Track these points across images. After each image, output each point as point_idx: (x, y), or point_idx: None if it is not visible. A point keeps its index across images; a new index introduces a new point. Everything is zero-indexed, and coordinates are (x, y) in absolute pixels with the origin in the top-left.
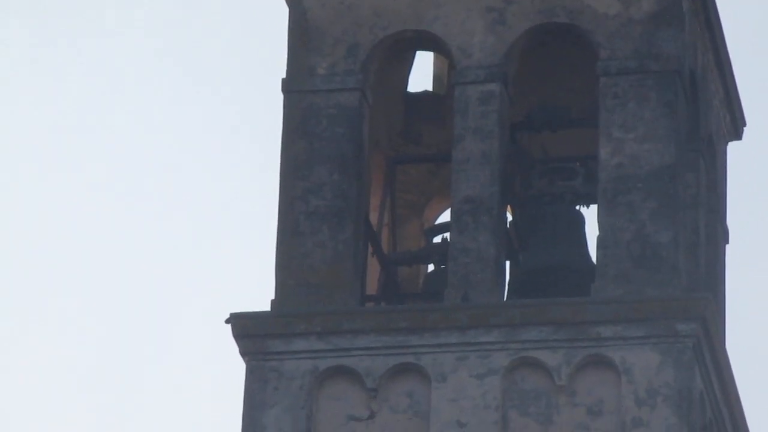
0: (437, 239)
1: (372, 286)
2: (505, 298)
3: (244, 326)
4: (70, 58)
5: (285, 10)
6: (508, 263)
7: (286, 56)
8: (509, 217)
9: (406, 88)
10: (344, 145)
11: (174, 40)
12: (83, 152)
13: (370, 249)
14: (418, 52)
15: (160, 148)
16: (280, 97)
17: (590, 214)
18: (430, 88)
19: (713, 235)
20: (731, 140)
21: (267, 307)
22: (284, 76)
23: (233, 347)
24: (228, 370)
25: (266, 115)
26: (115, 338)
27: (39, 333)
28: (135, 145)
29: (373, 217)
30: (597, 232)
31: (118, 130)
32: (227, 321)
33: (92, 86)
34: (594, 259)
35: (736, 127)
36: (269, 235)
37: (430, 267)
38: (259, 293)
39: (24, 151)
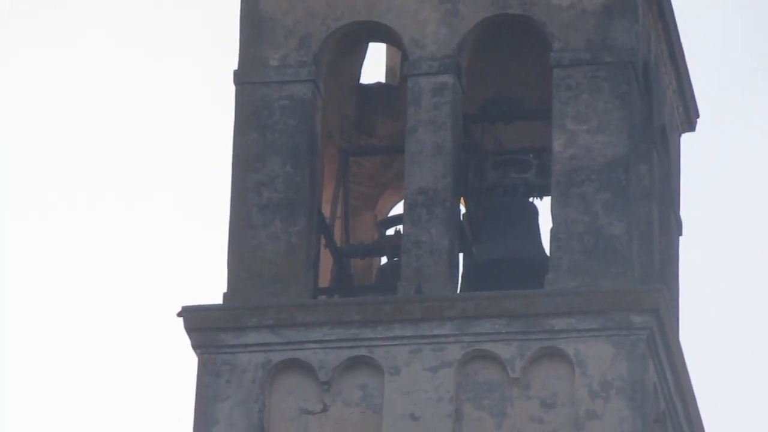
0: (390, 231)
1: (325, 279)
2: (458, 291)
3: (195, 319)
4: (19, 42)
5: (237, 1)
6: (461, 255)
7: (237, 48)
8: (463, 209)
9: (359, 79)
10: (297, 137)
11: (125, 31)
12: (32, 145)
13: (323, 241)
14: (370, 44)
15: (111, 140)
16: (232, 88)
17: (544, 206)
18: (383, 79)
19: (667, 226)
20: (685, 131)
21: (219, 300)
22: (236, 67)
23: (185, 341)
24: (180, 364)
25: (218, 107)
26: (66, 331)
27: None
28: (85, 137)
29: (326, 209)
30: (550, 224)
31: (68, 121)
32: (179, 314)
33: (40, 70)
34: (547, 251)
35: (689, 118)
36: (221, 228)
37: (384, 259)
38: (211, 286)
39: None
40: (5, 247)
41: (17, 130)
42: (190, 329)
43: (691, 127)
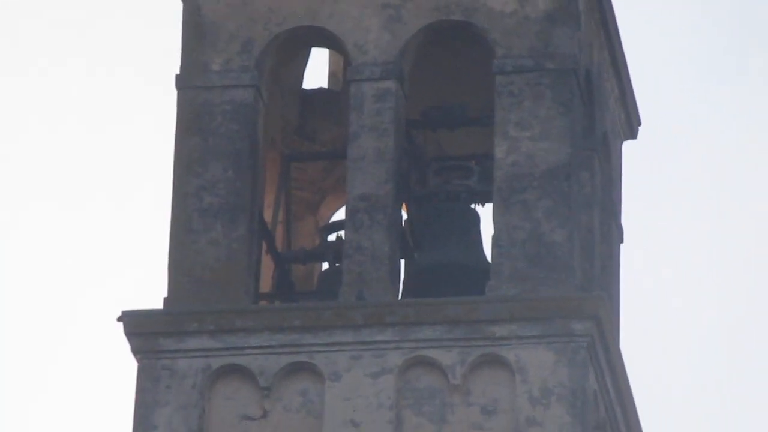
0: (332, 237)
1: (266, 284)
2: (399, 297)
3: (135, 324)
4: None
5: (179, 5)
6: (403, 261)
7: (180, 52)
8: (404, 215)
9: (301, 84)
10: (239, 142)
11: (68, 34)
12: None
13: (264, 247)
14: (313, 49)
15: (53, 143)
16: (174, 92)
17: (485, 212)
18: (325, 84)
19: (608, 234)
20: (626, 139)
21: (160, 305)
22: (177, 72)
23: (125, 345)
24: (120, 369)
25: (160, 111)
26: (5, 336)
27: None
28: (26, 140)
29: (268, 215)
30: (492, 231)
31: (8, 124)
32: (119, 319)
33: None
34: (489, 257)
35: (631, 126)
36: (162, 232)
37: (325, 265)
38: (151, 291)
39: None
40: None
41: None
42: (129, 334)
43: (632, 134)
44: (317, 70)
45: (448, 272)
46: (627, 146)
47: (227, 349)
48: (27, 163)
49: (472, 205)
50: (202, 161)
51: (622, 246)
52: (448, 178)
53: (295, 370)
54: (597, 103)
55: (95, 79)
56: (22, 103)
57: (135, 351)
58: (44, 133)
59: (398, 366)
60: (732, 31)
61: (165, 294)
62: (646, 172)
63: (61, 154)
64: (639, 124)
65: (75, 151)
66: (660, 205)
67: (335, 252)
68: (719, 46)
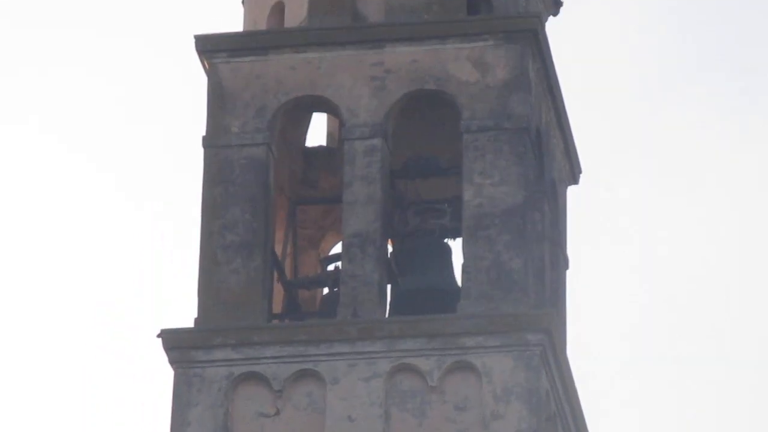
0: (331, 267)
1: (277, 306)
2: (387, 315)
3: (172, 340)
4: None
5: (204, 80)
6: (389, 286)
7: (205, 117)
8: (390, 249)
9: (304, 143)
10: (254, 190)
11: (112, 96)
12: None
13: (276, 275)
14: (314, 114)
15: (106, 190)
16: (201, 151)
17: (456, 245)
18: (324, 142)
19: (556, 262)
20: (570, 184)
21: (191, 324)
22: (204, 133)
23: (163, 358)
24: (158, 378)
25: (190, 167)
26: (64, 349)
27: None
28: (87, 182)
29: (278, 249)
30: (462, 260)
31: (68, 168)
32: (158, 336)
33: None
34: (459, 282)
35: (573, 173)
36: (192, 265)
37: (326, 290)
38: (184, 312)
39: None
40: None
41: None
42: (167, 348)
43: (575, 180)
44: (317, 131)
45: (426, 294)
46: (571, 190)
47: (246, 359)
48: (86, 203)
49: (445, 240)
50: (224, 206)
51: (567, 272)
52: (425, 218)
53: (302, 375)
54: (546, 155)
55: (138, 139)
56: (76, 154)
57: (172, 362)
58: (105, 179)
59: (386, 371)
60: (651, 92)
61: (195, 315)
62: (587, 212)
63: (116, 200)
64: (580, 171)
65: (124, 197)
66: (599, 238)
67: (334, 279)
68: (644, 106)
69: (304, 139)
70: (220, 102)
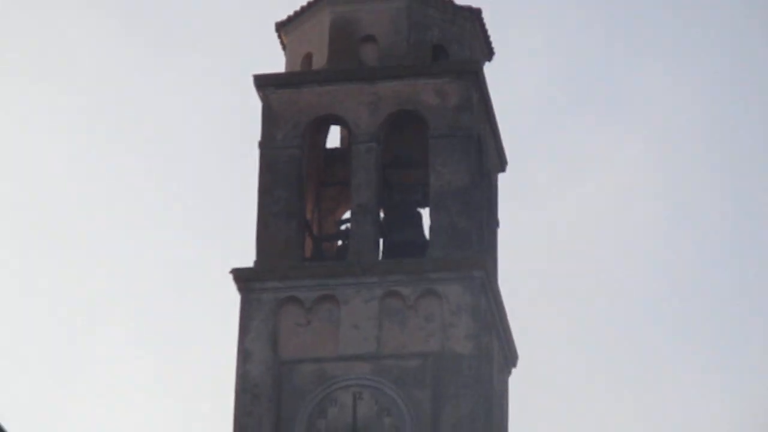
0: (343, 227)
1: (308, 252)
2: (380, 258)
3: (239, 275)
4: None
5: (259, 104)
6: (381, 240)
7: (260, 129)
8: (381, 215)
9: (325, 145)
10: (292, 177)
11: (182, 130)
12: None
13: (307, 233)
14: (332, 126)
15: (199, 183)
16: (257, 152)
17: (425, 213)
18: (339, 144)
19: (491, 223)
20: (499, 172)
21: (251, 264)
22: (259, 139)
23: (233, 287)
24: (227, 301)
25: (249, 162)
26: (159, 284)
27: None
28: (183, 176)
29: (309, 215)
30: (429, 223)
31: (134, 182)
32: (230, 272)
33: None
34: (428, 237)
35: (501, 163)
36: (252, 226)
37: (340, 242)
38: (247, 257)
39: None
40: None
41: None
42: (237, 280)
43: (503, 169)
44: (334, 137)
45: (405, 245)
46: (501, 176)
47: (287, 287)
48: (187, 187)
49: (418, 209)
50: (273, 188)
51: (498, 230)
52: (405, 195)
53: (324, 298)
54: (483, 153)
55: (199, 151)
56: (150, 159)
57: (239, 290)
58: (182, 179)
59: (380, 296)
60: (576, 105)
61: (254, 257)
62: (511, 191)
63: (206, 187)
64: (506, 163)
65: (210, 185)
66: (524, 220)
67: (345, 236)
68: (551, 116)
69: (325, 142)
70: (269, 119)
